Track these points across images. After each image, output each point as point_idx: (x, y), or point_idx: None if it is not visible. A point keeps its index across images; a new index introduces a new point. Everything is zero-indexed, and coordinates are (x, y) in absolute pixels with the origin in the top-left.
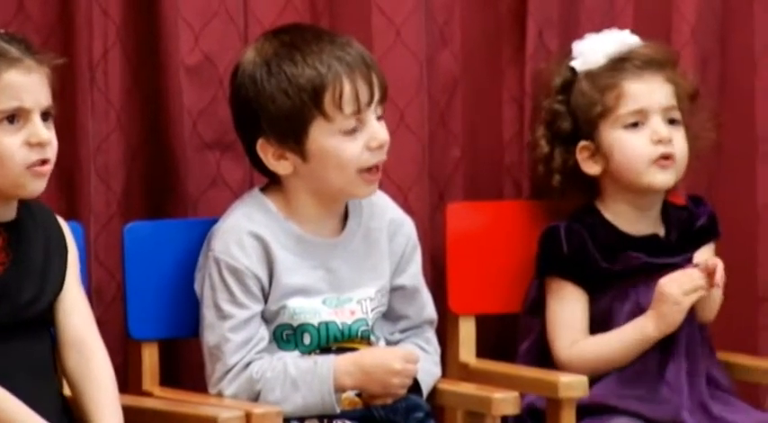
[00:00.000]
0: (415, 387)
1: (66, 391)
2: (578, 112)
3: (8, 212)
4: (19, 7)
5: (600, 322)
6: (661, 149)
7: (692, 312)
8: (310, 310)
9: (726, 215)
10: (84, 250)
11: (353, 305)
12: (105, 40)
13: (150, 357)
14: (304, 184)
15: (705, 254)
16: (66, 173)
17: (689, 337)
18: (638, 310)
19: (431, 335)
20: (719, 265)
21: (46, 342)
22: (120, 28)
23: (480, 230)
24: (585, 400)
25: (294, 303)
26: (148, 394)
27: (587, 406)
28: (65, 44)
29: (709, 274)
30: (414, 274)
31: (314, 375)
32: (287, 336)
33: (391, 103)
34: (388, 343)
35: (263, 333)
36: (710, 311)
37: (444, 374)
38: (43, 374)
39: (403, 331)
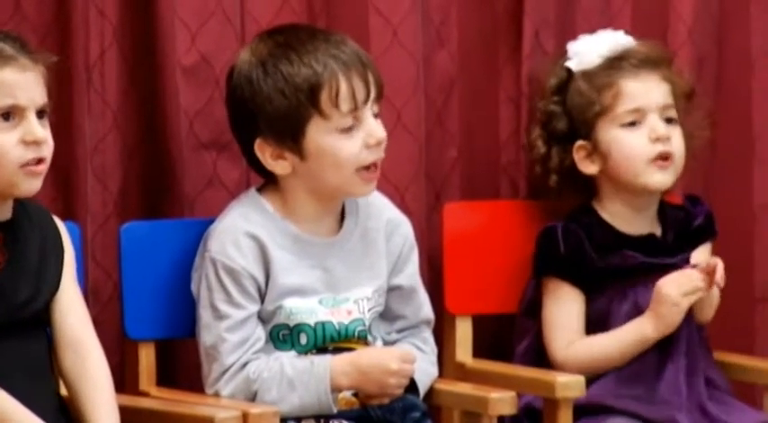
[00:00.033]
0: (412, 387)
1: (63, 391)
2: (575, 111)
3: (4, 212)
4: (15, 7)
5: (597, 322)
6: (659, 148)
7: (691, 313)
8: (307, 310)
9: (722, 215)
10: (80, 250)
11: (350, 305)
12: (102, 41)
13: (147, 357)
14: (302, 183)
15: (702, 254)
16: (63, 173)
17: (688, 338)
18: (636, 311)
19: (428, 335)
20: (720, 265)
21: (42, 342)
22: (117, 28)
23: (477, 230)
24: (583, 399)
25: (290, 303)
26: (145, 394)
27: (584, 406)
28: (61, 44)
29: (709, 273)
30: (411, 274)
31: (311, 375)
32: (283, 336)
33: (388, 103)
34: (386, 343)
35: (260, 333)
36: (708, 312)
37: (441, 374)
38: (40, 374)
39: (400, 331)
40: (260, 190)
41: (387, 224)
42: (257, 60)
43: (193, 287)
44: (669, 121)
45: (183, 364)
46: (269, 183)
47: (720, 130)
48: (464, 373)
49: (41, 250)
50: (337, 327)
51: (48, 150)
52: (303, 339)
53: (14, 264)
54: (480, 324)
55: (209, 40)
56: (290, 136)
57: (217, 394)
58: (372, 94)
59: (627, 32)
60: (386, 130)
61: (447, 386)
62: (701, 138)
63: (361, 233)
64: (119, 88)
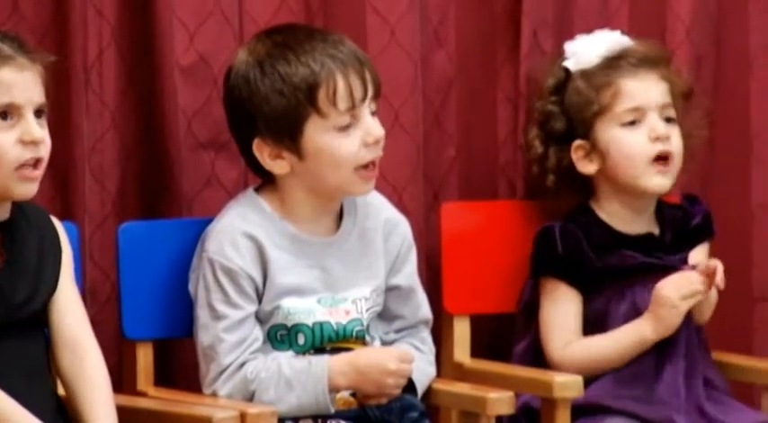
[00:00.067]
0: (410, 387)
1: (61, 391)
2: (573, 111)
3: (2, 213)
4: (14, 8)
5: (595, 323)
6: (659, 147)
7: (690, 315)
8: (304, 310)
9: (720, 215)
10: (78, 250)
11: (348, 305)
12: (100, 41)
13: (145, 357)
14: (300, 182)
15: (700, 253)
16: (61, 173)
17: (687, 340)
18: (634, 311)
19: (426, 335)
20: (719, 268)
21: (40, 342)
22: (115, 28)
23: (475, 230)
24: (581, 400)
25: (288, 303)
26: (143, 394)
27: (582, 406)
28: (59, 44)
29: (709, 276)
30: (409, 274)
31: (308, 375)
32: (281, 336)
33: (386, 103)
34: (384, 343)
35: (258, 333)
36: (706, 313)
37: (439, 374)
38: (37, 374)
39: (398, 331)
40: (258, 190)
41: (385, 224)
42: (255, 60)
43: (191, 287)
44: (668, 120)
45: (181, 365)
46: (267, 183)
47: (718, 130)
48: (462, 373)
49: (39, 250)
50: (335, 327)
51: (45, 150)
52: (301, 339)
53: (12, 264)
54: (478, 324)
55: (207, 39)
56: (288, 135)
57: (214, 394)
58: (370, 93)
59: (624, 32)
60: (384, 130)
61: (445, 386)
62: (699, 137)
63: (359, 233)
64: (117, 88)
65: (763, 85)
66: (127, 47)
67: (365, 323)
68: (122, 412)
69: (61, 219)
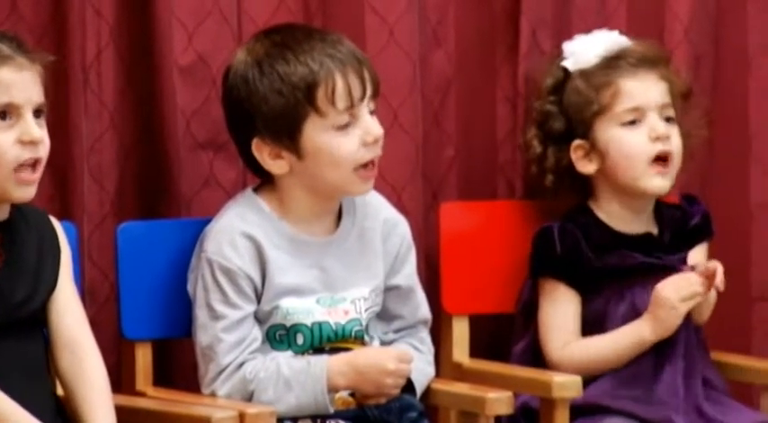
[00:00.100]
0: (409, 387)
1: (60, 392)
2: (572, 110)
3: (1, 213)
4: (12, 8)
5: (594, 323)
6: (659, 147)
7: (689, 315)
8: (303, 310)
9: (719, 214)
10: (77, 250)
11: (347, 305)
12: (98, 41)
13: (143, 357)
14: (299, 182)
15: (698, 253)
16: (60, 173)
17: (686, 341)
18: (633, 312)
19: (425, 335)
20: (719, 269)
21: (39, 342)
22: (114, 28)
23: (474, 230)
24: (579, 400)
25: (287, 303)
26: (142, 394)
27: (581, 406)
28: (58, 44)
29: (709, 278)
30: (408, 275)
31: (307, 375)
32: (280, 336)
33: (385, 102)
34: (383, 343)
35: (256, 333)
36: (705, 313)
37: (438, 374)
38: (36, 375)
39: (397, 331)
40: (256, 190)
41: (384, 224)
42: (253, 60)
43: (190, 287)
44: (667, 120)
45: (180, 365)
46: (265, 183)
47: (717, 129)
48: (461, 373)
49: (38, 251)
50: (334, 327)
51: (44, 151)
52: (300, 340)
53: (12, 264)
54: (477, 324)
55: (205, 39)
56: (288, 135)
57: (213, 394)
58: (369, 92)
59: (623, 32)
60: (383, 129)
61: (444, 386)
62: (697, 137)
63: (358, 233)
64: (115, 88)
65: (762, 85)
66: (125, 47)
67: (364, 323)
68: (121, 412)
69: (60, 219)
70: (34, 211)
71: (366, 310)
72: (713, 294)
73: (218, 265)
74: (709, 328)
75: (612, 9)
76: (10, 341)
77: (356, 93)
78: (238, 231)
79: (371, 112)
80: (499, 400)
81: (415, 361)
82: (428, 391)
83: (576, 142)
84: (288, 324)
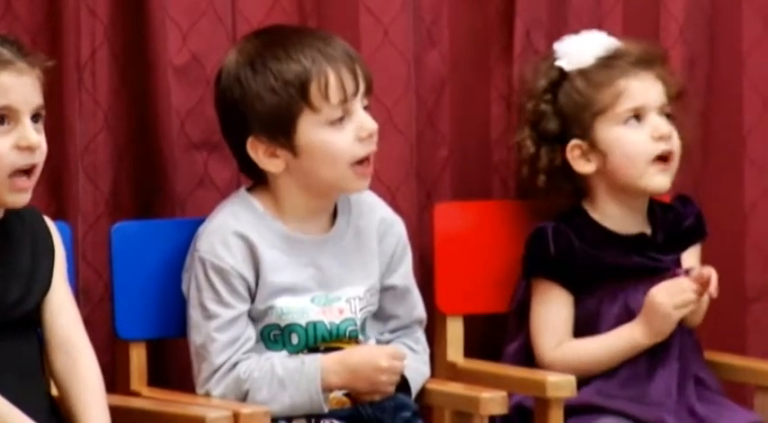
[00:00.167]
0: (404, 386)
1: (54, 392)
2: (568, 110)
3: None
4: (6, 7)
5: (587, 324)
6: (662, 146)
7: (682, 318)
8: (298, 309)
9: (713, 214)
10: (71, 250)
11: (342, 304)
12: (93, 40)
13: (138, 357)
14: (295, 180)
15: (692, 255)
16: (54, 173)
17: (680, 343)
18: (626, 313)
19: (420, 334)
20: (713, 276)
21: (33, 343)
22: (108, 28)
23: (468, 230)
24: (573, 400)
25: (282, 303)
26: (136, 394)
27: (575, 406)
28: (52, 44)
29: (703, 284)
30: (404, 274)
31: (301, 375)
32: (274, 336)
33: (379, 102)
34: (378, 343)
35: (250, 333)
36: (698, 316)
37: (432, 374)
38: (31, 375)
39: (393, 331)
40: (250, 190)
41: (380, 223)
42: (245, 60)
43: (184, 287)
44: (667, 119)
45: (174, 364)
46: (259, 183)
47: (711, 130)
48: (455, 373)
49: (33, 251)
50: (329, 326)
51: (41, 156)
52: (294, 339)
53: (6, 264)
54: (471, 324)
55: (200, 39)
56: (282, 132)
57: (208, 394)
58: (361, 87)
59: (618, 32)
60: (377, 124)
61: (438, 386)
62: (692, 137)
63: (353, 231)
64: (110, 88)
65: (756, 85)
66: (120, 46)
67: (359, 323)
68: (116, 412)
69: (54, 219)
70: (29, 211)
71: (361, 310)
72: (705, 299)
73: (211, 264)
74: (704, 328)
75: (608, 9)
76: (4, 342)
77: (349, 87)
78: (231, 231)
79: (365, 108)
80: (493, 400)
81: (410, 360)
82: (422, 390)
83: (573, 142)
84: (282, 324)
